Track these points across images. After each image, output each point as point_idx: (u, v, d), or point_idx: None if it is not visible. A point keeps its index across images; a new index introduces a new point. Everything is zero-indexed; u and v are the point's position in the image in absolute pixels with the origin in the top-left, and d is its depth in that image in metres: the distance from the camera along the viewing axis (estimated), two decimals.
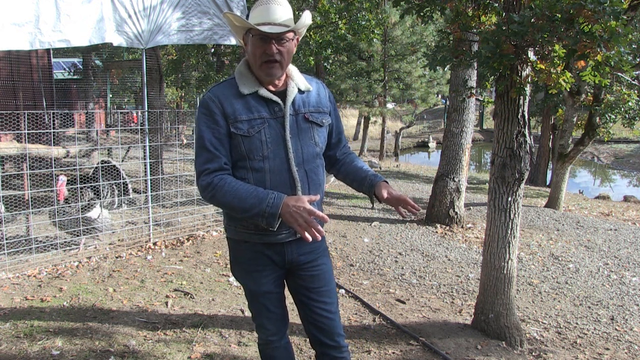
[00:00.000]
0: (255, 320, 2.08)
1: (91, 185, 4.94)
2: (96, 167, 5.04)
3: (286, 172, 1.86)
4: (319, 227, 1.69)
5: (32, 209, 4.80)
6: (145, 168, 5.50)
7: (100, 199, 4.95)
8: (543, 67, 2.90)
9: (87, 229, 4.70)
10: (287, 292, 2.10)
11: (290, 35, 1.83)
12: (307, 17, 1.88)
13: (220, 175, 1.80)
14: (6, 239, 4.50)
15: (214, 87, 1.92)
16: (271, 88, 1.89)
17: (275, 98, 1.87)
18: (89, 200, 4.82)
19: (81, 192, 4.83)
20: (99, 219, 4.78)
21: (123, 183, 5.15)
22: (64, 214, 4.59)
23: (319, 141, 1.95)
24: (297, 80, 1.94)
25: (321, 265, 2.03)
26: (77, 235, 4.71)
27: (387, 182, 2.02)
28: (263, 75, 1.85)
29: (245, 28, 1.84)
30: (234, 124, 1.82)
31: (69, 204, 4.67)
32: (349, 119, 26.55)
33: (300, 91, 1.93)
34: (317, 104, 1.97)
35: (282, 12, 1.80)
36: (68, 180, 4.92)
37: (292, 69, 1.96)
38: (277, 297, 2.04)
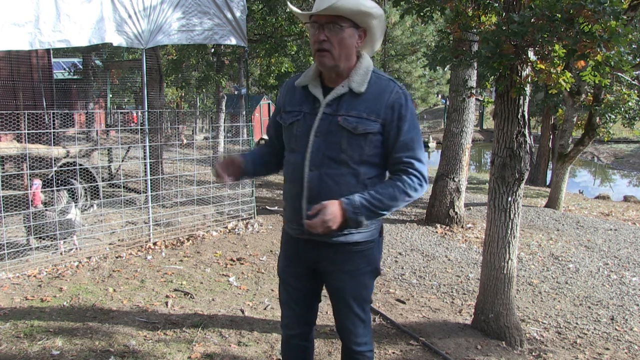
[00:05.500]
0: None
1: (66, 188, 4.89)
2: (60, 169, 5.00)
3: (301, 169, 1.85)
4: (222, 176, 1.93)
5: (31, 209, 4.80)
6: (145, 168, 5.51)
7: (75, 200, 4.91)
8: (543, 67, 2.90)
9: (67, 231, 4.63)
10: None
11: (343, 22, 1.76)
12: (350, 1, 1.74)
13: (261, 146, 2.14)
14: (6, 239, 4.50)
15: (291, 78, 2.01)
16: (331, 85, 1.86)
17: (318, 95, 1.85)
18: (66, 202, 4.75)
19: (58, 194, 4.76)
20: (76, 221, 4.74)
21: (94, 186, 5.08)
22: (43, 218, 4.51)
23: (347, 148, 1.79)
24: (355, 80, 1.81)
25: (342, 281, 1.93)
26: (53, 239, 4.63)
27: (343, 205, 1.74)
28: (318, 65, 1.84)
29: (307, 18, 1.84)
30: (281, 114, 1.97)
31: (44, 207, 4.59)
32: None
33: (352, 92, 1.81)
34: (366, 110, 1.79)
35: None
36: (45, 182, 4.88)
37: (362, 66, 1.83)
38: (297, 293, 2.03)
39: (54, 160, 5.50)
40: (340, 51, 1.77)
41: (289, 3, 1.94)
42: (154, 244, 5.13)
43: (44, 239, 4.63)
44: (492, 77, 3.17)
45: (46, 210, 4.55)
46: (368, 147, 1.81)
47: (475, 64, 5.47)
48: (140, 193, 6.72)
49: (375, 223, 1.92)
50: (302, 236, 1.91)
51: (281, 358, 2.23)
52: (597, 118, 7.94)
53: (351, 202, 1.75)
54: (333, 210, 1.73)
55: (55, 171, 5.04)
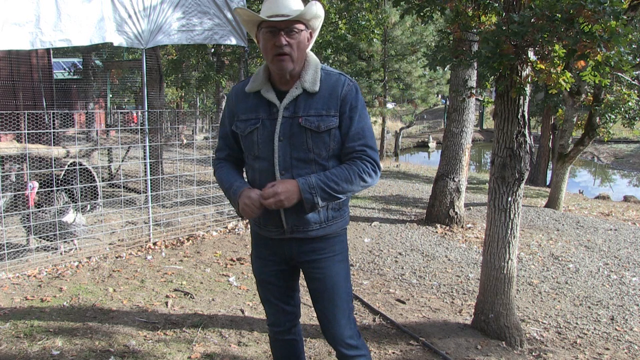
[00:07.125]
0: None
1: (65, 189, 4.87)
2: (66, 170, 4.98)
3: (272, 175, 1.86)
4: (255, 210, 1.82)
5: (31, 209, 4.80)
6: (145, 168, 5.51)
7: (75, 202, 4.89)
8: (543, 67, 2.90)
9: (63, 233, 4.61)
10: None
11: (300, 26, 1.79)
12: (313, 7, 1.80)
13: (221, 162, 2.04)
14: (6, 239, 4.50)
15: (237, 84, 2.01)
16: (283, 87, 1.87)
17: (273, 99, 1.85)
18: (63, 204, 4.74)
19: (55, 196, 4.74)
20: (74, 223, 4.71)
21: (93, 186, 5.06)
22: (37, 219, 4.48)
23: (313, 147, 1.83)
24: (306, 80, 1.83)
25: (324, 269, 1.96)
26: (51, 240, 4.61)
27: (299, 185, 1.78)
28: (276, 70, 1.83)
29: (256, 23, 1.84)
30: (235, 122, 1.95)
31: (41, 208, 4.57)
32: None
33: (306, 92, 1.83)
34: (322, 107, 1.83)
35: (291, 3, 1.79)
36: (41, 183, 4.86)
37: (310, 66, 1.87)
38: (278, 290, 2.06)
39: (57, 161, 5.50)
40: (298, 54, 1.81)
41: (238, 8, 1.85)
42: (154, 244, 5.13)
43: (43, 240, 4.62)
44: (492, 77, 3.17)
45: (39, 211, 4.54)
46: (333, 142, 1.86)
47: (475, 64, 5.48)
48: (140, 193, 6.72)
49: (346, 210, 2.01)
50: (283, 237, 1.93)
51: (273, 357, 2.24)
52: (597, 118, 7.93)
53: (307, 182, 1.79)
54: (287, 185, 1.77)
55: (61, 172, 5.02)
